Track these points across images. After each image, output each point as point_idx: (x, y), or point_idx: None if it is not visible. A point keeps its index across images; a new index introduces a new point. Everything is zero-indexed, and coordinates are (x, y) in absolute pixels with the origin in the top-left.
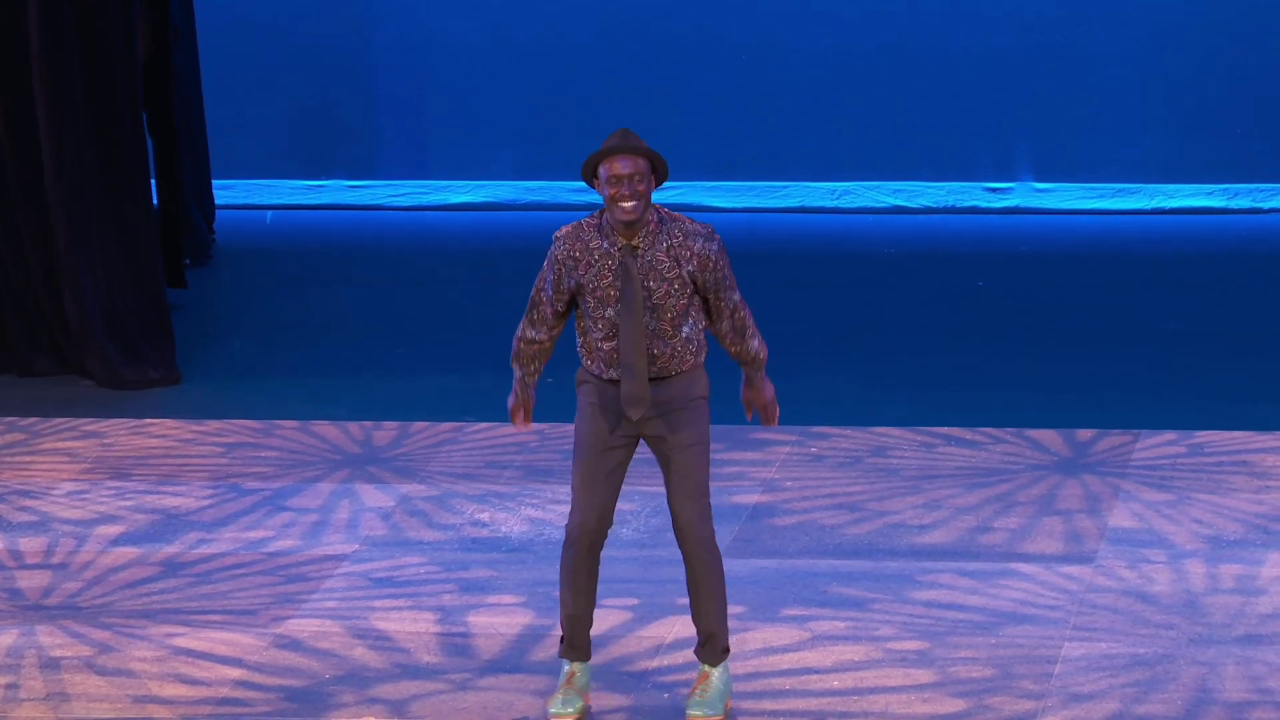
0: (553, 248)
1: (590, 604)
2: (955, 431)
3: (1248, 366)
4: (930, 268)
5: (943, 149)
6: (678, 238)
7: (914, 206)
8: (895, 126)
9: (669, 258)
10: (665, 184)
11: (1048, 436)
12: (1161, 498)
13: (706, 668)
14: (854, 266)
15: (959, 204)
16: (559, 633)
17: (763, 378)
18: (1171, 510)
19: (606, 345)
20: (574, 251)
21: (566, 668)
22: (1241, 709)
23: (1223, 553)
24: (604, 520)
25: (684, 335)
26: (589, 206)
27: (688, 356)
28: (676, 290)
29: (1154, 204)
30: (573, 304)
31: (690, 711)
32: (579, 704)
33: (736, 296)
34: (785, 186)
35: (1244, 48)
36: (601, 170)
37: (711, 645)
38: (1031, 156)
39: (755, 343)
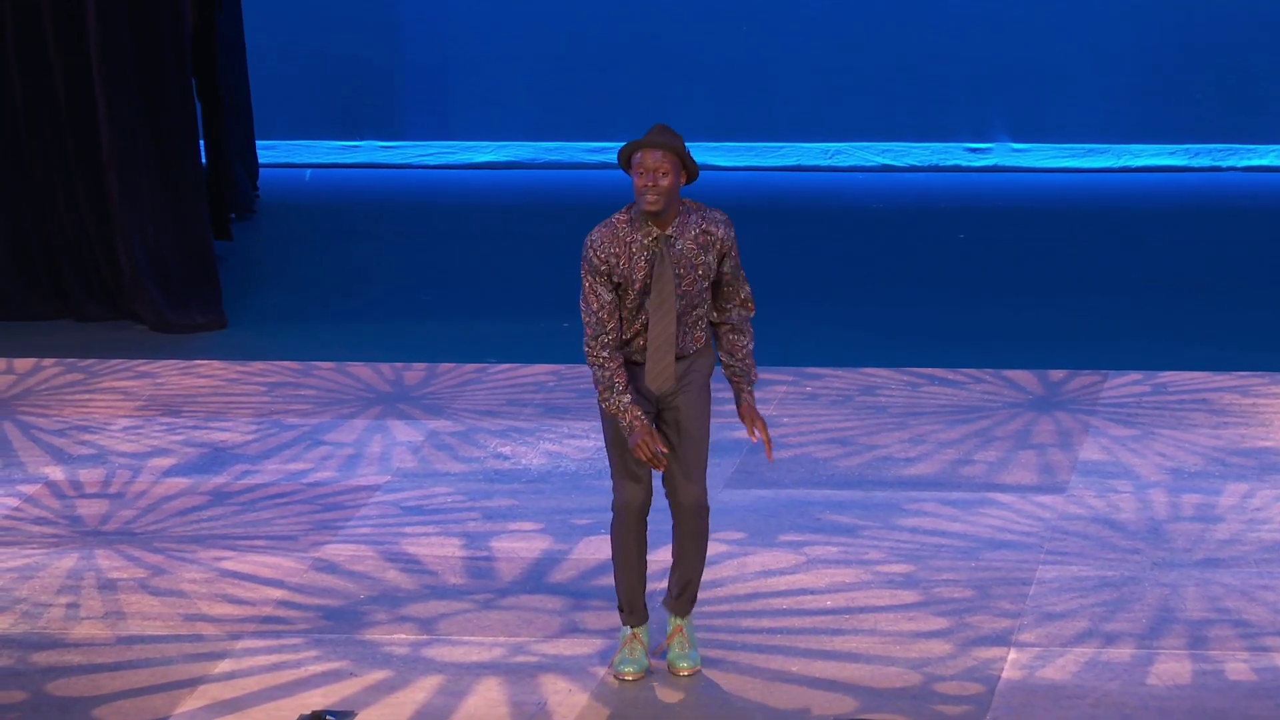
0: (587, 254)
1: (643, 572)
2: (938, 372)
3: (1207, 312)
4: (915, 222)
5: (927, 112)
6: (701, 225)
7: (900, 165)
8: (883, 91)
9: (696, 245)
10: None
11: (1023, 377)
12: (1128, 433)
13: (679, 620)
14: (845, 221)
15: (942, 163)
16: (575, 556)
17: (752, 396)
18: (1137, 444)
19: (634, 334)
20: (612, 248)
21: (628, 631)
22: (1201, 626)
23: (1184, 483)
24: (648, 493)
25: (700, 320)
26: (600, 166)
27: (700, 334)
28: (700, 276)
29: (1121, 163)
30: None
31: (680, 665)
32: (644, 663)
33: (747, 289)
34: (781, 147)
35: (1203, 18)
36: (634, 158)
37: (686, 597)
38: (1009, 119)
39: (750, 343)
